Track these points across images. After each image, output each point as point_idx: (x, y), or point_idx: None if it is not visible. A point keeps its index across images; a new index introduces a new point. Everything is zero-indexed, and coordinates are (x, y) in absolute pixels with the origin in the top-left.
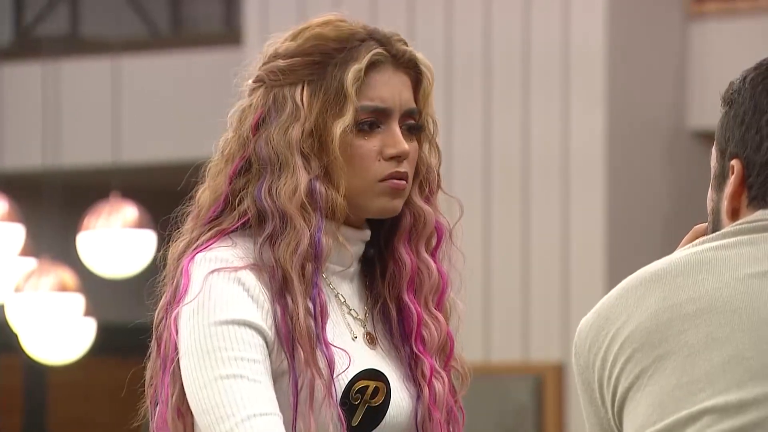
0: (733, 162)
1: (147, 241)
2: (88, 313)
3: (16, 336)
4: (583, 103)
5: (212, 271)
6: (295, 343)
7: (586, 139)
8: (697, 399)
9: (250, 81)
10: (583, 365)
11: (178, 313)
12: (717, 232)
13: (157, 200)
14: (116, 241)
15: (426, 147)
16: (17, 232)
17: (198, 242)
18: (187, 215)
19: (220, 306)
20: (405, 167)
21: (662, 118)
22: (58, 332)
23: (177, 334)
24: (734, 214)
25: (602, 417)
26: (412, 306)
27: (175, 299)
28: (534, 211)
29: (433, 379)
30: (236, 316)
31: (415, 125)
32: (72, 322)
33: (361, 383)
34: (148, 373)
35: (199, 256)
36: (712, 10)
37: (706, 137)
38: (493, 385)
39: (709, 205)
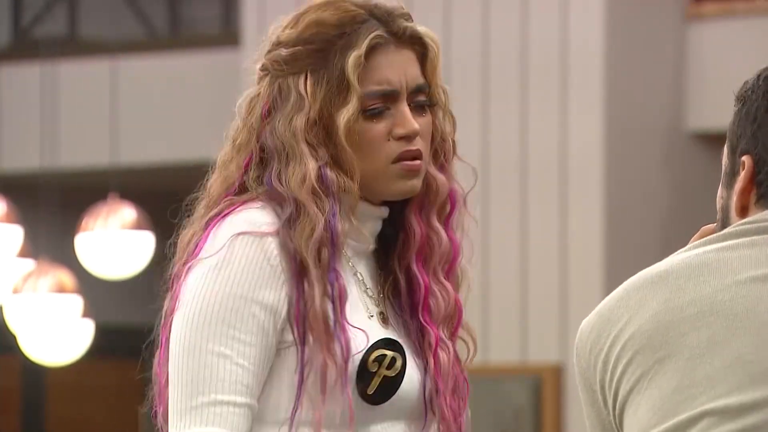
0: (744, 158)
1: (145, 243)
2: (86, 314)
3: (14, 337)
4: (581, 105)
5: (238, 234)
6: (306, 327)
7: (584, 140)
8: (697, 402)
9: (257, 68)
10: (585, 367)
11: (192, 265)
12: (719, 233)
13: (155, 201)
14: (114, 242)
15: (440, 115)
16: (15, 234)
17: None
18: (197, 202)
19: (239, 276)
20: (417, 144)
21: (660, 119)
22: (56, 333)
23: (185, 284)
24: (743, 211)
25: (604, 418)
26: (419, 276)
27: (191, 255)
28: (532, 213)
29: (439, 350)
30: (251, 292)
31: (425, 101)
32: (70, 323)
33: (379, 352)
34: (155, 362)
35: (228, 218)
36: (710, 12)
37: (704, 139)
38: (491, 386)
39: (719, 202)
